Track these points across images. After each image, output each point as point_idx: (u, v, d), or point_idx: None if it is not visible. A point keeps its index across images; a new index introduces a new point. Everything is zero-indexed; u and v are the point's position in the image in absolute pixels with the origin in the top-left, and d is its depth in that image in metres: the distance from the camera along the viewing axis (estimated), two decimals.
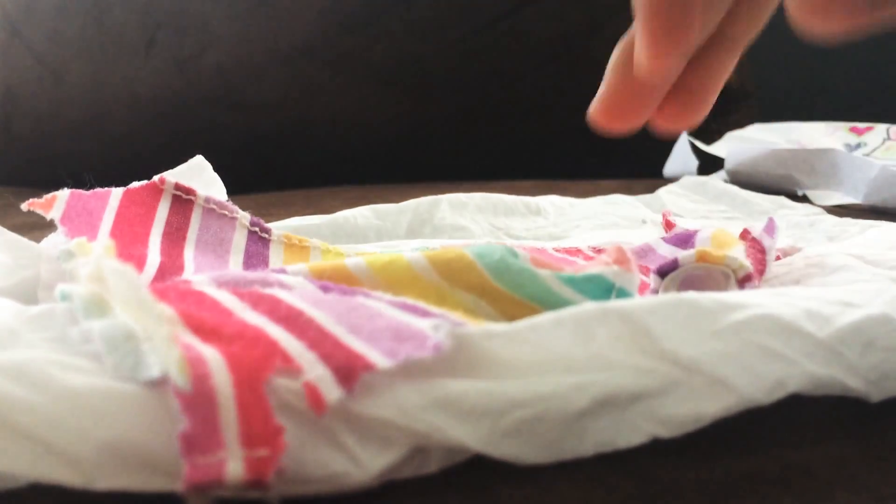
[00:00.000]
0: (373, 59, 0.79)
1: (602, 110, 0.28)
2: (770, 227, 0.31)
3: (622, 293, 0.23)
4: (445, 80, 0.80)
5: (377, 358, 0.18)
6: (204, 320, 0.20)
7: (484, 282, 0.23)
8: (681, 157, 0.73)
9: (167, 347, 0.18)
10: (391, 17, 0.78)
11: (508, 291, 0.23)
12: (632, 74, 0.27)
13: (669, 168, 0.75)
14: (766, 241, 0.30)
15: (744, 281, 0.28)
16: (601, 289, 0.23)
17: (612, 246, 0.24)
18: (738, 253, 0.28)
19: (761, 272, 0.29)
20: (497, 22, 0.79)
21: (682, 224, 0.40)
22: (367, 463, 0.18)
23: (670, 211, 0.46)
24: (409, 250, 0.24)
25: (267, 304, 0.21)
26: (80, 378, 0.17)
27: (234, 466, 0.16)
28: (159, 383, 0.17)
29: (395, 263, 0.23)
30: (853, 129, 0.69)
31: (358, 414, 0.18)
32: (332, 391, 0.18)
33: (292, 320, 0.20)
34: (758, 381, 0.19)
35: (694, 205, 0.53)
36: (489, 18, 0.78)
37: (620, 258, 0.24)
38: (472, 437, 0.18)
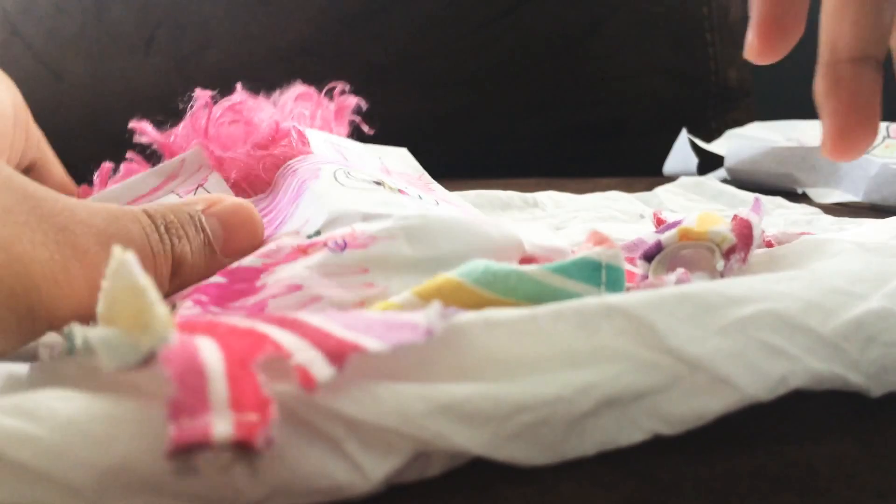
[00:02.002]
0: (373, 56, 0.79)
1: (759, 38, 0.29)
2: (756, 207, 0.32)
3: (611, 269, 0.23)
4: (445, 77, 0.80)
5: (369, 342, 0.18)
6: (197, 324, 0.20)
7: (478, 297, 0.23)
8: (681, 154, 0.73)
9: (155, 308, 0.18)
10: (390, 15, 0.78)
11: (503, 298, 0.22)
12: None
13: (669, 166, 0.75)
14: (753, 219, 0.30)
15: (729, 253, 0.28)
16: (590, 269, 0.23)
17: (587, 234, 0.24)
18: (722, 228, 0.29)
19: (747, 245, 0.29)
20: (497, 19, 0.79)
21: (673, 218, 0.40)
22: (371, 472, 0.18)
23: (661, 210, 0.46)
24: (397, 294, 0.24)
25: (262, 316, 0.21)
26: (77, 404, 0.17)
27: (221, 426, 0.16)
28: (150, 362, 0.17)
29: (388, 308, 0.23)
30: None
31: (361, 422, 0.18)
32: (322, 370, 0.17)
33: (287, 321, 0.20)
34: (760, 379, 0.19)
35: (691, 203, 0.53)
36: (489, 16, 0.78)
37: (599, 239, 0.24)
38: (474, 443, 0.18)
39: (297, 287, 0.26)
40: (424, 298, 0.23)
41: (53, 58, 0.86)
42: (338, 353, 0.18)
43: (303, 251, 0.27)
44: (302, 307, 0.26)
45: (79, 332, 0.20)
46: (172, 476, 0.17)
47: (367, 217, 0.29)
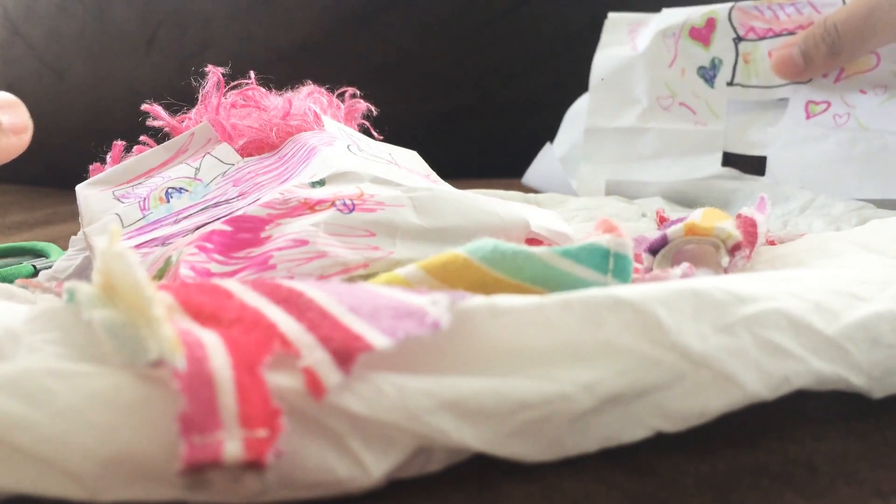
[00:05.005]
0: (374, 56, 0.79)
1: None
2: (761, 205, 0.32)
3: (619, 257, 0.23)
4: (446, 77, 0.80)
5: (376, 338, 0.18)
6: (203, 305, 0.20)
7: (484, 275, 0.23)
8: (544, 164, 0.62)
9: (160, 328, 0.18)
10: (392, 15, 0.78)
11: (509, 278, 0.22)
12: None
13: (530, 177, 0.63)
14: (758, 217, 0.30)
15: (734, 250, 0.28)
16: (598, 255, 0.23)
17: (596, 223, 0.24)
18: (727, 224, 0.28)
19: (752, 243, 0.29)
20: (498, 19, 0.79)
21: (677, 216, 0.40)
22: (372, 467, 0.18)
23: (664, 209, 0.46)
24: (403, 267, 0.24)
25: (268, 286, 0.21)
26: (79, 390, 0.17)
27: (232, 446, 0.16)
28: (158, 366, 0.17)
29: (393, 281, 0.23)
30: (694, 35, 0.53)
31: (364, 417, 0.18)
32: (330, 375, 0.17)
33: (292, 301, 0.20)
34: (764, 378, 0.19)
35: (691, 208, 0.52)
36: (490, 16, 0.78)
37: (609, 227, 0.24)
38: (477, 439, 0.18)
39: (303, 242, 0.26)
40: (431, 273, 0.23)
41: (55, 57, 0.86)
42: (345, 353, 0.18)
43: (310, 207, 0.28)
44: (307, 262, 0.26)
45: (81, 294, 0.20)
46: (185, 490, 0.17)
47: (376, 180, 0.29)
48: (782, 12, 0.50)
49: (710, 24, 0.52)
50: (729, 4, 0.52)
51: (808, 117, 0.48)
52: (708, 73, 0.53)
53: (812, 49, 0.46)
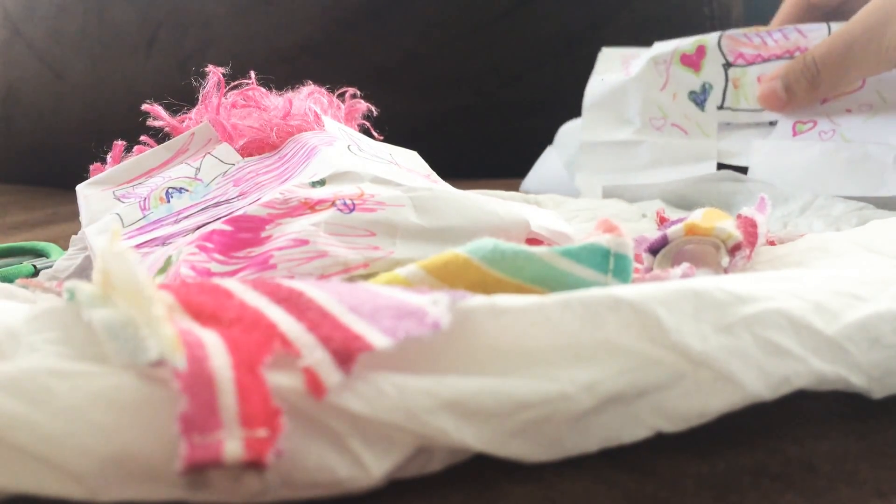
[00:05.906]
0: (374, 56, 0.79)
1: None
2: (761, 205, 0.32)
3: (619, 257, 0.23)
4: (446, 77, 0.80)
5: (376, 338, 0.18)
6: (203, 305, 0.20)
7: (484, 275, 0.23)
8: (545, 168, 0.63)
9: (160, 327, 0.18)
10: (392, 15, 0.79)
11: (509, 278, 0.22)
12: None
13: (529, 183, 0.63)
14: (758, 217, 0.30)
15: (734, 250, 0.28)
16: (599, 255, 0.23)
17: (596, 223, 0.25)
18: (727, 224, 0.29)
19: (752, 243, 0.29)
20: (498, 20, 0.79)
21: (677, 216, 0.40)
22: (372, 467, 0.18)
23: (664, 209, 0.46)
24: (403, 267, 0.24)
25: (268, 286, 0.21)
26: (80, 389, 0.17)
27: (232, 446, 0.16)
28: (158, 365, 0.17)
29: (393, 280, 0.23)
30: (685, 61, 0.55)
31: (364, 417, 0.18)
32: (331, 375, 0.17)
33: (293, 301, 0.20)
34: (764, 378, 0.19)
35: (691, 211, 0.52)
36: (490, 16, 0.79)
37: (609, 227, 0.24)
38: (477, 439, 0.18)
39: (303, 241, 0.26)
40: (431, 273, 0.23)
41: (55, 57, 0.86)
42: (345, 353, 0.18)
43: (310, 207, 0.28)
44: (308, 261, 0.26)
45: (82, 294, 0.20)
46: (185, 489, 0.17)
47: (376, 180, 0.29)
48: (770, 38, 0.53)
49: (701, 51, 0.55)
50: (718, 33, 0.54)
51: (794, 135, 0.50)
52: (699, 98, 0.55)
53: (793, 83, 0.49)
